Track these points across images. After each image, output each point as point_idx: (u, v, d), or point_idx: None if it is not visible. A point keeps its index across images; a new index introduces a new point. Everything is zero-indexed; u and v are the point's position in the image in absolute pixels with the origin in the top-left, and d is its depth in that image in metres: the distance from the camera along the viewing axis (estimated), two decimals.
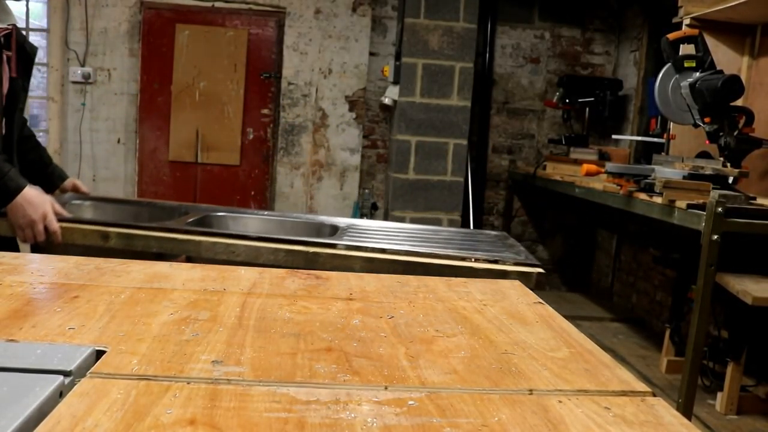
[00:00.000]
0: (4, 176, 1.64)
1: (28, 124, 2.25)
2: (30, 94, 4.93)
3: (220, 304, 1.06)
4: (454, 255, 1.60)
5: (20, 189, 1.64)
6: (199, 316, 0.99)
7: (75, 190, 2.26)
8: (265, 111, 4.85)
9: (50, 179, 2.25)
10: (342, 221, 2.11)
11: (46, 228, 1.65)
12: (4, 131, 1.87)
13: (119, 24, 4.66)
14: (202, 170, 4.82)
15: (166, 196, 4.73)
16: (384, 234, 1.93)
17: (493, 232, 2.12)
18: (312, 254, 1.58)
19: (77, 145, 4.74)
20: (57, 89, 4.67)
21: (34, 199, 1.64)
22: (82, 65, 4.67)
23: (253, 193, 4.90)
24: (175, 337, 0.89)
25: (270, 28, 4.80)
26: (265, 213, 2.24)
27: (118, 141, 4.79)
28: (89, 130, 4.75)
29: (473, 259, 1.60)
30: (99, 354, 0.81)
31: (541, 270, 1.57)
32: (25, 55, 1.97)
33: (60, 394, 0.69)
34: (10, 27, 1.86)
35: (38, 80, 6.63)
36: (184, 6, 4.67)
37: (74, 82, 4.68)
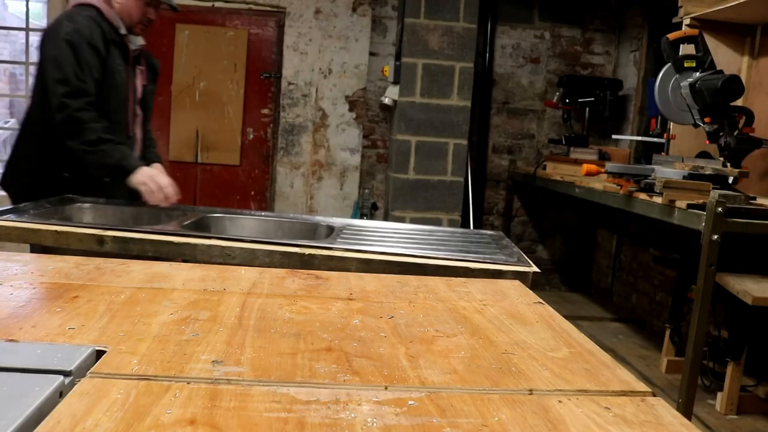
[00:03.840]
0: (127, 157, 2.15)
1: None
2: (30, 93, 5.01)
3: (220, 304, 1.06)
4: (447, 257, 1.61)
5: (138, 166, 2.13)
6: (199, 316, 0.99)
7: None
8: (265, 111, 4.85)
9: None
10: (338, 221, 2.11)
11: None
12: (138, 129, 2.36)
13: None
14: (202, 170, 4.82)
15: None
16: (379, 235, 1.93)
17: (489, 232, 2.12)
18: (308, 256, 1.58)
19: None
20: None
21: (147, 171, 2.13)
22: None
23: (253, 193, 4.90)
24: (175, 337, 0.89)
25: (270, 28, 4.79)
26: (262, 214, 2.24)
27: None
28: None
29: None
30: (99, 354, 0.81)
31: (536, 269, 1.57)
32: (152, 68, 2.47)
33: (60, 394, 0.69)
34: (140, 47, 2.35)
35: None
36: (184, 6, 4.65)
37: None
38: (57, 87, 2.10)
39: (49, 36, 2.19)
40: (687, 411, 2.41)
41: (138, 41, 2.34)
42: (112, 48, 2.22)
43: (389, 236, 1.92)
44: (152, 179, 2.12)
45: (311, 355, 0.86)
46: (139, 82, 2.38)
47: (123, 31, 2.25)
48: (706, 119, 2.73)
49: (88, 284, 1.13)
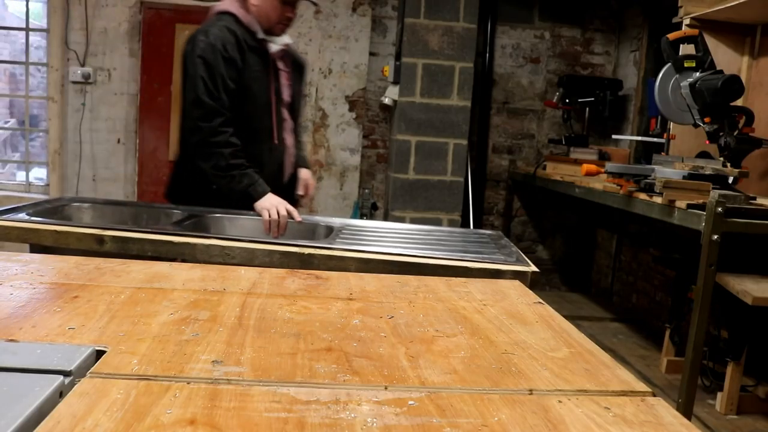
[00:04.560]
0: (255, 183, 2.15)
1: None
2: (30, 93, 4.96)
3: (220, 304, 1.06)
4: (446, 257, 1.61)
5: (264, 193, 2.14)
6: (199, 316, 0.99)
7: (305, 188, 2.46)
8: None
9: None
10: (337, 221, 2.11)
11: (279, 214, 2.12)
12: (289, 135, 2.35)
13: (119, 24, 4.66)
14: None
15: None
16: (378, 235, 1.93)
17: (488, 232, 2.12)
18: (307, 255, 1.59)
19: (77, 145, 4.74)
20: (57, 89, 4.67)
21: (271, 200, 2.13)
22: (82, 65, 4.67)
23: (265, 193, 4.89)
24: (175, 337, 0.89)
25: None
26: None
27: (118, 141, 4.79)
28: (89, 130, 4.75)
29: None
30: (99, 354, 0.81)
31: (535, 269, 1.57)
32: (297, 67, 2.41)
33: (60, 394, 0.69)
34: (283, 47, 2.30)
35: (38, 80, 6.64)
36: (184, 6, 4.67)
37: (74, 82, 4.68)
38: (191, 109, 2.15)
39: (187, 53, 2.20)
40: (687, 411, 2.41)
41: (281, 41, 2.28)
42: (249, 54, 2.18)
43: (389, 236, 1.92)
44: (274, 208, 2.10)
45: (311, 355, 0.86)
46: (285, 85, 2.32)
47: (260, 35, 2.20)
48: (706, 119, 2.73)
49: (88, 284, 1.13)
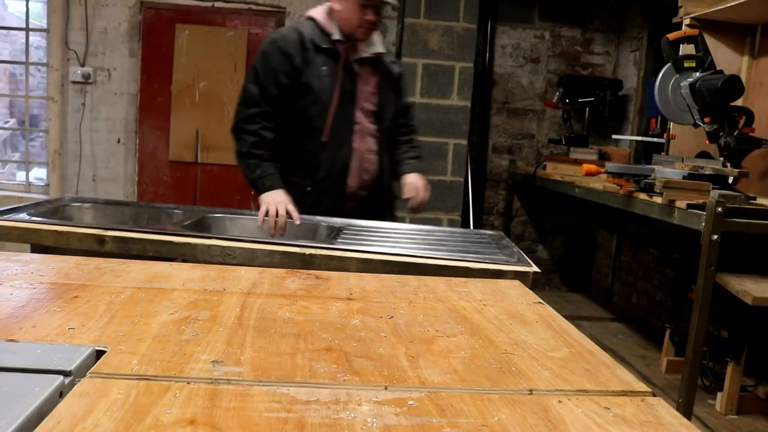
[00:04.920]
0: (265, 176, 2.17)
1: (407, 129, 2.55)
2: (30, 93, 4.97)
3: (220, 304, 1.06)
4: (447, 257, 1.61)
5: (270, 189, 2.16)
6: (199, 316, 0.99)
7: (414, 203, 2.36)
8: None
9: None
10: (338, 221, 2.11)
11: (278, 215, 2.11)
12: (360, 138, 2.30)
13: (119, 24, 4.66)
14: (202, 170, 4.82)
15: (166, 196, 4.73)
16: (379, 235, 1.93)
17: (489, 232, 2.12)
18: (308, 256, 1.58)
19: (77, 145, 4.74)
20: (57, 89, 4.67)
21: (275, 197, 2.14)
22: (82, 65, 4.67)
23: (253, 193, 4.88)
24: (175, 337, 0.89)
25: (270, 28, 4.79)
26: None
27: (118, 141, 4.79)
28: (89, 130, 4.75)
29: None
30: (99, 354, 0.81)
31: (536, 269, 1.57)
32: (387, 74, 2.38)
33: (60, 394, 0.69)
34: (375, 54, 2.31)
35: (38, 80, 6.64)
36: (184, 6, 4.67)
37: (74, 82, 4.68)
38: (241, 95, 2.28)
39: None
40: (687, 411, 2.41)
41: (373, 49, 2.30)
42: (316, 54, 2.22)
43: (389, 236, 1.92)
44: (274, 206, 2.11)
45: (311, 355, 0.86)
46: (365, 91, 2.30)
47: (335, 36, 2.23)
48: (706, 119, 2.73)
49: (88, 284, 1.13)
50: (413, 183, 2.35)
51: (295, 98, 2.23)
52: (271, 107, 2.23)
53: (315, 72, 2.22)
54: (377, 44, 2.33)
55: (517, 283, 1.41)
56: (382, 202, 2.38)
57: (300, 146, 2.27)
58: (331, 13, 2.27)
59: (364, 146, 2.30)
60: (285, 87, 2.21)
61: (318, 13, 2.29)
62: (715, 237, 2.32)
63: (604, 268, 5.14)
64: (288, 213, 2.10)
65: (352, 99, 2.28)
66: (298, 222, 2.09)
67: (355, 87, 2.28)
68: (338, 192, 2.27)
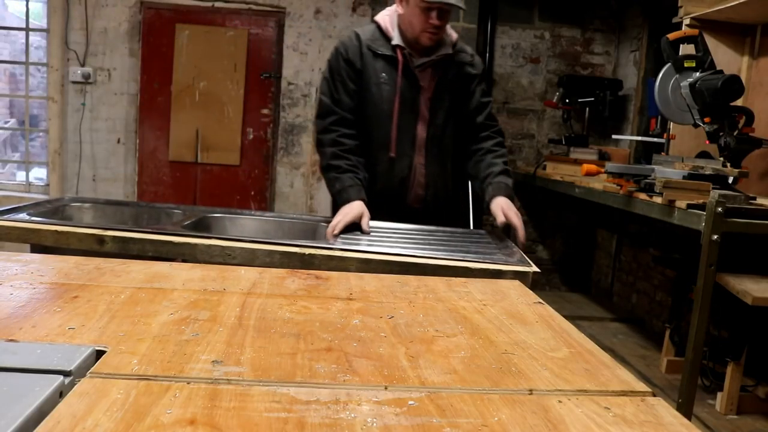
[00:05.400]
0: (343, 190, 2.06)
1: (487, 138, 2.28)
2: (30, 93, 4.96)
3: (220, 304, 1.06)
4: (447, 257, 1.61)
5: (346, 202, 2.01)
6: (199, 316, 0.99)
7: (508, 225, 2.02)
8: (265, 111, 4.85)
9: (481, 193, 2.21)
10: None
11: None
12: (420, 151, 2.20)
13: (119, 24, 4.66)
14: (202, 170, 4.82)
15: (166, 196, 4.73)
16: (379, 234, 1.93)
17: (489, 232, 2.12)
18: (308, 256, 1.58)
19: (77, 145, 4.74)
20: (57, 89, 4.68)
21: (348, 209, 1.97)
22: (82, 65, 4.67)
23: (253, 193, 4.90)
24: (175, 337, 0.89)
25: (270, 28, 4.79)
26: (262, 214, 2.24)
27: (118, 141, 4.79)
28: (89, 130, 4.75)
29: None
30: (99, 354, 0.81)
31: (536, 269, 1.57)
32: (449, 80, 2.19)
33: (60, 394, 0.69)
34: (436, 56, 2.16)
35: (38, 80, 6.64)
36: (184, 6, 4.67)
37: (74, 82, 4.68)
38: (316, 109, 2.25)
39: None
40: (687, 411, 2.40)
41: (439, 50, 2.15)
42: (375, 59, 2.15)
43: (389, 236, 1.92)
44: (341, 216, 1.94)
45: (311, 355, 0.86)
46: (426, 99, 2.18)
47: (396, 41, 2.13)
48: (706, 119, 2.73)
49: (88, 284, 1.13)
50: (504, 213, 2.03)
51: (358, 105, 2.17)
52: (348, 114, 2.16)
53: (374, 79, 2.16)
54: (445, 45, 2.17)
55: (517, 283, 1.41)
56: (442, 213, 2.23)
57: (363, 155, 2.18)
58: (395, 16, 2.17)
59: (421, 159, 2.21)
60: (355, 93, 2.16)
61: (383, 16, 2.21)
62: (715, 237, 2.31)
63: (604, 268, 5.14)
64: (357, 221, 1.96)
65: (412, 108, 2.17)
66: (366, 228, 1.94)
67: (416, 95, 2.17)
68: (395, 206, 2.18)
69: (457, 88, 2.22)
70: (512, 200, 2.09)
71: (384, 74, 2.15)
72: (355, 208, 1.98)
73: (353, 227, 1.94)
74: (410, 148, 2.19)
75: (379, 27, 2.19)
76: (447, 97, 2.20)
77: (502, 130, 2.35)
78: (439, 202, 2.24)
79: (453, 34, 2.24)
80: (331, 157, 2.13)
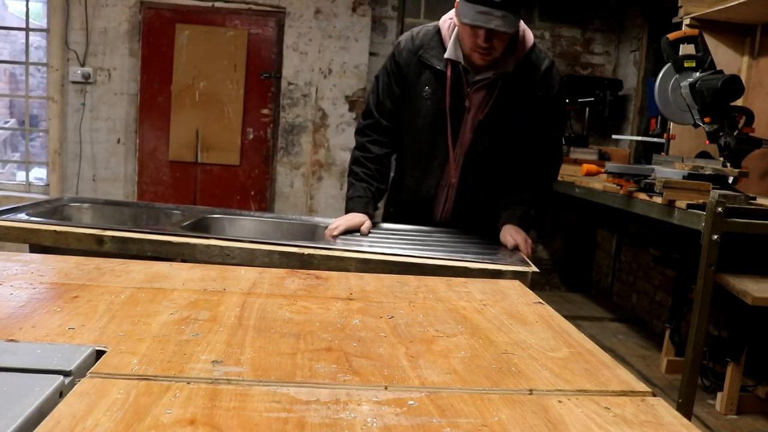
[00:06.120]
0: (352, 198, 2.04)
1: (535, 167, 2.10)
2: (30, 93, 4.95)
3: (220, 304, 1.06)
4: (446, 257, 1.61)
5: (350, 212, 1.99)
6: (199, 316, 0.99)
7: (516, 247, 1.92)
8: (265, 111, 4.85)
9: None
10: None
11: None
12: (455, 170, 2.06)
13: (119, 24, 4.66)
14: (202, 170, 4.83)
15: (166, 196, 4.73)
16: (379, 235, 1.93)
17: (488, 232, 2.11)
18: (307, 256, 1.58)
19: (77, 145, 4.74)
20: (57, 89, 4.68)
21: (350, 217, 1.96)
22: (82, 65, 4.67)
23: (252, 193, 4.90)
24: (175, 337, 0.89)
25: (270, 28, 4.80)
26: (262, 214, 2.24)
27: (118, 141, 4.80)
28: (89, 130, 4.75)
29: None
30: (99, 354, 0.81)
31: (536, 269, 1.57)
32: (522, 99, 1.96)
33: (60, 394, 0.69)
34: (495, 75, 1.92)
35: (38, 80, 6.64)
36: (184, 6, 4.67)
37: (74, 82, 4.68)
38: (364, 105, 2.23)
39: None
40: (687, 411, 2.40)
41: (497, 67, 1.91)
42: (425, 69, 1.97)
43: (389, 236, 1.92)
44: (338, 222, 1.93)
45: (311, 355, 0.86)
46: (472, 118, 1.98)
47: (448, 54, 1.92)
48: (706, 119, 2.73)
49: (88, 284, 1.13)
50: (510, 237, 1.94)
51: (400, 112, 2.06)
52: (386, 119, 2.06)
53: (418, 89, 1.99)
54: (504, 61, 1.91)
55: (517, 283, 1.41)
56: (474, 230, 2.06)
57: (398, 166, 2.16)
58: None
59: (453, 180, 2.07)
60: (397, 99, 2.04)
61: (445, 19, 1.99)
62: (715, 237, 2.31)
63: (604, 268, 5.14)
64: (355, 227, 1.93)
65: (453, 129, 1.99)
66: (364, 231, 1.92)
67: (460, 115, 1.98)
68: (420, 221, 2.09)
69: (518, 110, 1.97)
70: (526, 229, 1.98)
71: (428, 87, 1.98)
72: (357, 218, 1.96)
73: (353, 230, 1.92)
74: (442, 169, 2.06)
75: (439, 32, 1.98)
76: (501, 120, 1.98)
77: (559, 155, 2.16)
78: (470, 218, 2.09)
79: (528, 42, 1.96)
80: (354, 162, 2.11)
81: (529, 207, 2.05)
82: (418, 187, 2.12)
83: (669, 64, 2.91)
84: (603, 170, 2.95)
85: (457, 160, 2.04)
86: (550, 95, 2.00)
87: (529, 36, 1.97)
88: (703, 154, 3.00)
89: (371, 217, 2.00)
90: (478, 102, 1.97)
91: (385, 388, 0.77)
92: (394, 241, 1.83)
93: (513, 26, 1.79)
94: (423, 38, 2.00)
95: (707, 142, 2.86)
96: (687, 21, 3.29)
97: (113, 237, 1.63)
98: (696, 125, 2.83)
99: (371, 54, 4.85)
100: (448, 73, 1.94)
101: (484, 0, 1.73)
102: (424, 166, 2.08)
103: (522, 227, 2.00)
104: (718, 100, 2.63)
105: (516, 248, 1.90)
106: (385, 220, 2.19)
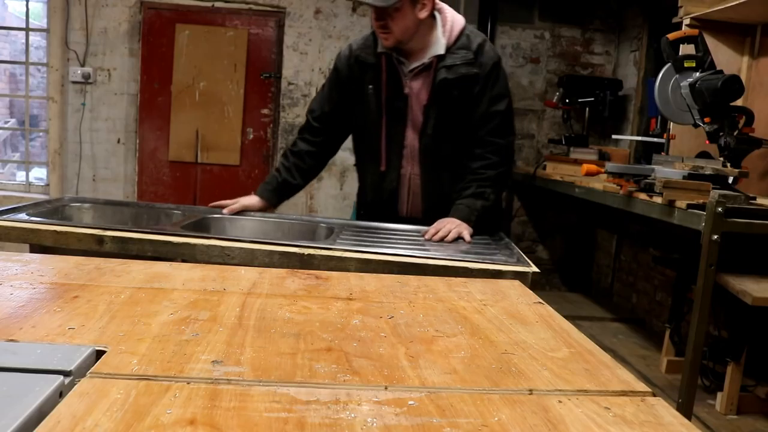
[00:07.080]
0: (261, 185, 2.23)
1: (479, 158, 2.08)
2: (30, 93, 4.95)
3: (220, 304, 1.06)
4: (446, 257, 1.61)
5: (251, 194, 2.19)
6: (199, 316, 0.99)
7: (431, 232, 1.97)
8: (265, 111, 4.85)
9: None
10: (337, 222, 2.11)
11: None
12: (411, 162, 2.13)
13: (119, 24, 4.66)
14: (202, 170, 4.83)
15: (166, 196, 4.73)
16: (379, 235, 1.93)
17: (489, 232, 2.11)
18: (307, 256, 1.58)
19: (77, 145, 4.74)
20: (57, 89, 4.68)
21: (247, 198, 2.19)
22: (82, 65, 4.67)
23: (253, 193, 4.89)
24: (175, 337, 0.89)
25: (270, 28, 4.80)
26: (262, 215, 2.24)
27: (118, 141, 4.80)
28: (89, 130, 4.75)
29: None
30: (99, 354, 0.81)
31: (536, 269, 1.57)
32: (466, 82, 2.01)
33: (60, 394, 0.69)
34: (431, 59, 2.01)
35: (38, 80, 6.64)
36: (184, 6, 4.67)
37: (74, 82, 4.68)
38: None
39: None
40: (687, 411, 2.40)
41: (431, 52, 2.00)
42: (361, 70, 2.08)
43: (389, 236, 1.92)
44: (239, 200, 2.16)
45: (311, 355, 0.86)
46: (416, 108, 2.06)
47: (380, 49, 2.02)
48: (706, 119, 2.73)
49: (88, 284, 1.13)
50: (442, 226, 1.92)
51: (346, 115, 2.18)
52: (317, 121, 2.21)
53: (363, 90, 2.08)
54: (435, 46, 2.00)
55: (517, 283, 1.41)
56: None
57: (359, 167, 2.28)
58: None
59: (413, 170, 2.13)
60: (338, 104, 2.16)
61: None
62: (715, 237, 2.31)
63: (604, 268, 5.14)
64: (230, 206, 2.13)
65: (401, 118, 2.07)
66: (225, 211, 2.12)
67: (403, 104, 2.06)
68: (390, 217, 2.15)
69: (457, 88, 2.01)
70: (469, 222, 1.94)
71: (371, 86, 2.07)
72: (251, 200, 2.18)
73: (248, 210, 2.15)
74: (400, 159, 2.12)
75: (374, 33, 2.06)
76: (446, 103, 2.03)
77: (508, 146, 2.11)
78: (440, 213, 2.03)
79: (455, 27, 2.03)
80: (282, 155, 2.31)
81: (474, 200, 2.02)
82: (380, 183, 2.18)
83: (669, 64, 2.91)
84: (603, 170, 2.95)
85: (411, 146, 2.12)
86: (487, 73, 2.04)
87: (459, 19, 2.07)
88: (703, 154, 3.00)
89: (268, 202, 2.19)
90: (419, 87, 2.05)
91: (385, 388, 0.77)
92: (395, 242, 1.83)
93: (384, 1, 1.91)
94: (359, 42, 2.13)
95: (707, 142, 2.86)
96: (687, 21, 3.29)
97: (113, 237, 1.63)
98: (696, 125, 2.83)
99: None
100: (383, 65, 2.05)
101: None
102: (384, 162, 2.15)
103: (466, 221, 1.96)
104: (718, 100, 2.63)
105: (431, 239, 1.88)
106: (360, 219, 2.25)
